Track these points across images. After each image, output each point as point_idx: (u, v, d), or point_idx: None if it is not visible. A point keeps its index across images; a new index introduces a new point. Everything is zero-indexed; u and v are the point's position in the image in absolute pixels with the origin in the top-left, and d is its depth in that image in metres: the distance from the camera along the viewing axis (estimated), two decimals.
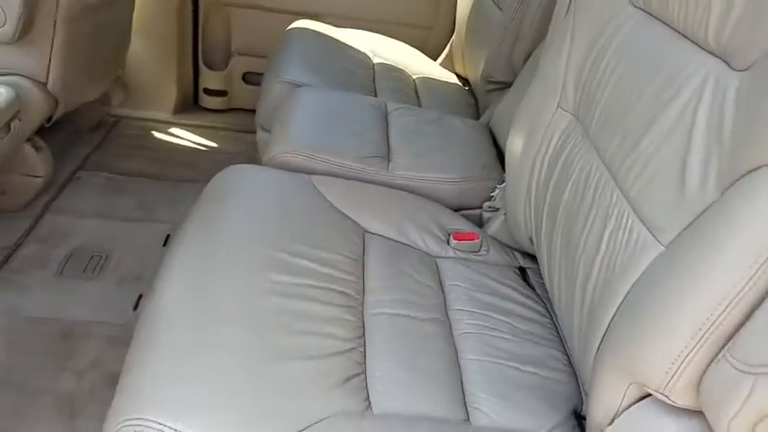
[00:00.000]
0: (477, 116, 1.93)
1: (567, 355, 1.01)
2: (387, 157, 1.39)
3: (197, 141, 2.35)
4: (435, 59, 2.32)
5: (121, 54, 2.14)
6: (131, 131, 2.31)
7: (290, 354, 0.83)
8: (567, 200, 0.97)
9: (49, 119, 1.68)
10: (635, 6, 0.91)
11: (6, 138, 1.48)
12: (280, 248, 1.00)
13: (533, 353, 1.00)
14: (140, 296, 1.55)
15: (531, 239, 1.15)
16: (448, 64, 2.26)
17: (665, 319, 0.65)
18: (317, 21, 2.21)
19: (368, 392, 0.84)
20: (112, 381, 1.31)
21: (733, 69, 0.69)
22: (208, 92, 2.47)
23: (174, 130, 2.37)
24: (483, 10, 1.88)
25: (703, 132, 0.70)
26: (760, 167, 0.59)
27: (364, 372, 0.87)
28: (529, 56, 1.57)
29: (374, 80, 1.95)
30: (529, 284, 1.20)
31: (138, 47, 2.24)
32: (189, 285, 0.91)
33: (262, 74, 2.28)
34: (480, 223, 1.37)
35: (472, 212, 1.38)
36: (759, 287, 0.58)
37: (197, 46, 2.40)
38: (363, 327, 0.95)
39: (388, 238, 1.18)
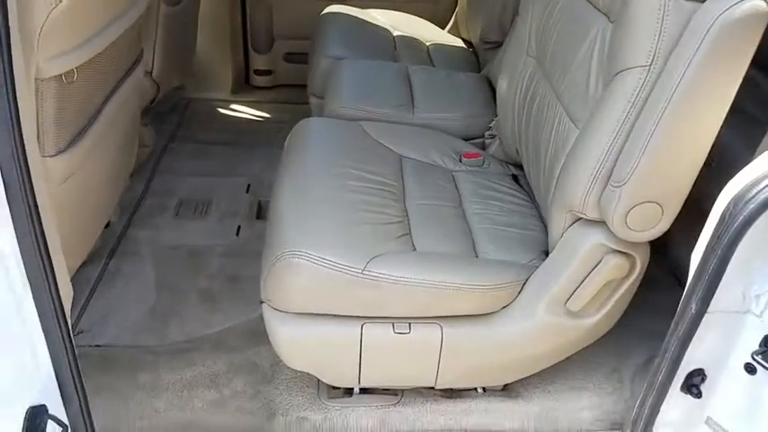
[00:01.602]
0: (479, 71, 2.41)
1: (542, 222, 1.52)
2: (411, 104, 1.90)
3: (254, 114, 2.88)
4: (443, 28, 2.80)
5: (193, 44, 2.67)
6: (202, 109, 2.85)
7: (361, 220, 1.35)
8: (534, 116, 1.47)
9: (153, 101, 2.22)
10: None
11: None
12: (346, 166, 1.52)
13: (519, 221, 1.51)
14: (239, 226, 2.10)
15: (517, 150, 1.65)
16: (454, 31, 2.74)
17: (578, 167, 1.16)
18: (345, 4, 2.69)
19: (412, 242, 1.36)
20: (232, 279, 1.87)
21: (610, 22, 1.18)
22: (257, 72, 3.00)
23: (234, 106, 2.91)
24: None
25: (597, 59, 1.19)
26: (614, 75, 1.09)
27: (410, 233, 1.40)
28: (513, 19, 2.04)
29: (395, 49, 2.44)
30: (519, 185, 1.71)
31: (200, 36, 2.76)
32: (294, 188, 1.44)
33: (301, 53, 2.82)
34: (483, 147, 1.87)
35: (477, 140, 1.89)
36: (619, 141, 1.08)
37: (246, 34, 2.92)
38: (406, 210, 1.47)
39: (417, 160, 1.69)
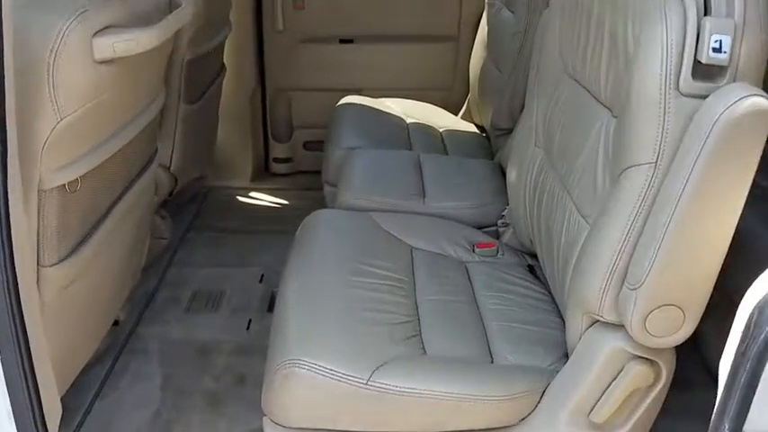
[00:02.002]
0: (491, 153, 2.41)
1: (561, 318, 1.43)
2: (422, 193, 1.88)
3: (273, 201, 2.90)
4: (456, 114, 2.83)
5: (214, 136, 2.74)
6: (221, 198, 2.89)
7: (368, 321, 1.29)
8: (545, 207, 1.42)
9: (171, 193, 2.25)
10: (569, 76, 1.38)
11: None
12: (355, 261, 1.48)
13: (537, 317, 1.43)
14: (250, 320, 2.05)
15: (530, 239, 1.59)
16: (467, 117, 2.76)
17: (591, 266, 1.10)
18: (360, 95, 2.76)
19: (423, 344, 1.29)
20: (239, 379, 1.81)
21: (613, 116, 1.15)
22: (277, 160, 3.05)
23: (253, 194, 2.94)
24: (488, 73, 2.38)
25: (602, 153, 1.15)
26: (622, 171, 1.04)
27: (419, 334, 1.33)
28: (523, 107, 2.04)
29: (409, 137, 2.46)
30: (535, 276, 1.64)
31: (221, 129, 2.84)
32: (299, 287, 1.40)
33: (319, 141, 2.87)
34: (497, 236, 1.82)
35: (490, 229, 1.84)
36: (631, 240, 1.02)
37: (266, 125, 2.99)
38: (417, 307, 1.41)
39: (428, 251, 1.65)
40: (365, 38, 2.82)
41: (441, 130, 2.59)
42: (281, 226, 2.70)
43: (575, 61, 1.34)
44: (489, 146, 2.45)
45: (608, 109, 1.18)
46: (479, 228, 1.82)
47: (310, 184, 2.94)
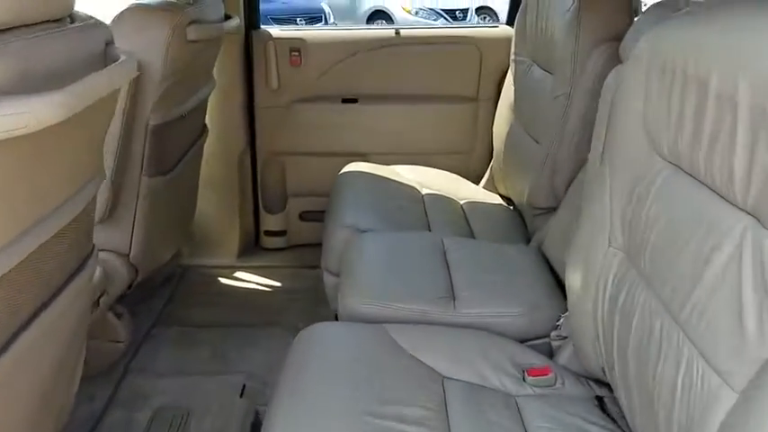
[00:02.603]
0: (525, 234, 2.00)
1: None
2: (451, 295, 1.45)
3: (262, 282, 2.47)
4: (477, 182, 2.45)
5: (192, 208, 2.33)
6: (199, 280, 2.46)
7: None
8: (635, 340, 1.00)
9: (130, 286, 1.83)
10: (662, 158, 0.99)
11: (95, 312, 1.61)
12: (367, 412, 1.05)
13: None
14: None
15: (603, 370, 1.17)
16: (490, 186, 2.37)
17: None
18: (365, 161, 2.38)
19: None
20: None
21: (765, 227, 0.75)
22: (268, 233, 2.64)
23: (239, 273, 2.52)
24: (519, 141, 2.01)
25: (750, 285, 0.75)
26: None
27: None
28: (569, 183, 1.66)
29: (426, 212, 2.06)
30: (608, 415, 1.20)
31: (203, 198, 2.44)
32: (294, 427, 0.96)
33: (318, 211, 2.47)
34: (550, 352, 1.39)
35: (539, 342, 1.41)
36: None
37: (257, 193, 2.60)
38: None
39: (466, 382, 1.21)
40: (371, 97, 2.46)
41: (461, 203, 2.20)
42: (271, 316, 2.27)
43: (676, 142, 0.95)
44: (521, 222, 2.05)
45: (752, 216, 0.79)
46: (525, 341, 1.39)
47: (308, 261, 2.52)
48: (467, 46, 2.40)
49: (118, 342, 1.86)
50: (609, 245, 1.13)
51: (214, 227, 2.53)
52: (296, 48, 2.37)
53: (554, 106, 1.72)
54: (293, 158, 2.55)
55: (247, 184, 2.56)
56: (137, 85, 1.57)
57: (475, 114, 2.49)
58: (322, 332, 1.29)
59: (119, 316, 1.87)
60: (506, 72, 2.38)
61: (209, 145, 2.32)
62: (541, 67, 1.91)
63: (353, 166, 2.28)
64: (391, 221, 1.89)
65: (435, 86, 2.46)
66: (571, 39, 1.63)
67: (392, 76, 2.43)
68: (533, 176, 1.79)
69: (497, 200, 2.30)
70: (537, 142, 1.84)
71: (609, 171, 1.15)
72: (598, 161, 1.20)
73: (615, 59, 1.54)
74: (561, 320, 1.37)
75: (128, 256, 1.76)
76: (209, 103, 2.21)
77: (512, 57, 2.15)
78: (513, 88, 2.16)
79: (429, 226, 1.96)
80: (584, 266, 1.19)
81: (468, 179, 2.46)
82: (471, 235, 1.97)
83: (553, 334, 1.38)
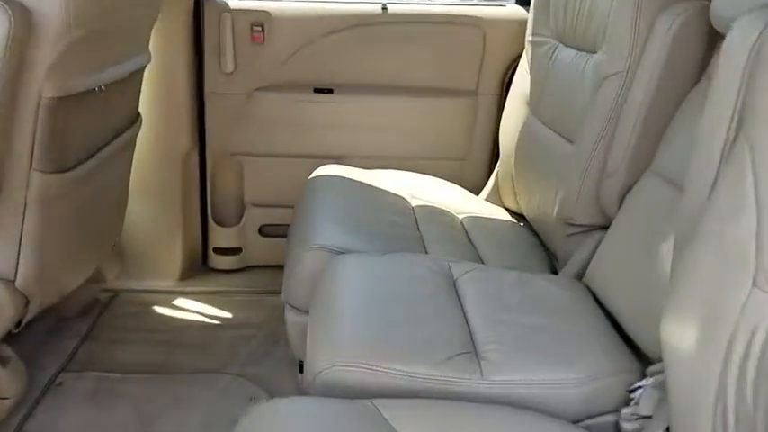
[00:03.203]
0: (547, 258, 1.58)
1: None
2: (473, 351, 1.00)
3: (208, 313, 1.98)
4: (475, 193, 2.02)
5: (117, 221, 1.83)
6: (128, 309, 1.95)
7: None
8: None
9: (19, 323, 1.32)
10: None
11: None
12: None
13: None
14: None
15: None
16: (494, 198, 1.95)
17: None
18: (342, 163, 1.94)
19: None
20: None
21: None
22: (219, 251, 2.15)
23: (180, 301, 2.02)
24: (541, 143, 1.59)
25: None
26: None
27: None
28: (625, 193, 1.24)
29: (418, 227, 1.62)
30: None
31: (135, 207, 1.94)
32: None
33: (281, 225, 2.00)
34: None
35: (600, 420, 0.98)
36: None
37: (205, 201, 2.11)
38: None
39: None
40: (350, 87, 2.01)
41: (460, 218, 1.76)
42: (217, 359, 1.77)
43: None
44: (538, 244, 1.63)
45: None
46: (579, 421, 0.95)
47: (267, 286, 2.03)
48: (468, 27, 1.97)
49: (3, 399, 1.36)
50: (754, 286, 0.71)
51: (149, 242, 2.03)
52: (258, 22, 1.90)
53: (600, 93, 1.31)
54: (252, 160, 2.08)
55: (193, 190, 2.07)
56: (22, 39, 1.09)
57: (474, 111, 2.06)
58: (279, 415, 0.83)
59: (4, 363, 1.36)
60: (515, 61, 1.97)
61: (144, 139, 1.83)
62: (574, 47, 1.50)
63: (326, 170, 1.82)
64: (376, 240, 1.44)
65: (427, 76, 2.02)
66: (628, 3, 1.22)
67: (376, 61, 1.99)
68: (567, 186, 1.36)
69: (504, 215, 1.87)
70: (569, 142, 1.42)
71: (756, 183, 0.72)
72: (717, 156, 0.77)
73: (693, 25, 1.14)
74: (639, 392, 0.93)
75: (13, 281, 1.26)
76: (143, 87, 1.73)
77: (528, 38, 1.74)
78: (527, 77, 1.75)
79: (424, 246, 1.52)
80: (706, 315, 0.75)
81: (463, 188, 2.04)
82: (478, 258, 1.53)
83: (625, 411, 0.94)
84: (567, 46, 1.55)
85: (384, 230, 1.50)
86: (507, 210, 1.91)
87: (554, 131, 1.52)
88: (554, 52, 1.60)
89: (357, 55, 1.98)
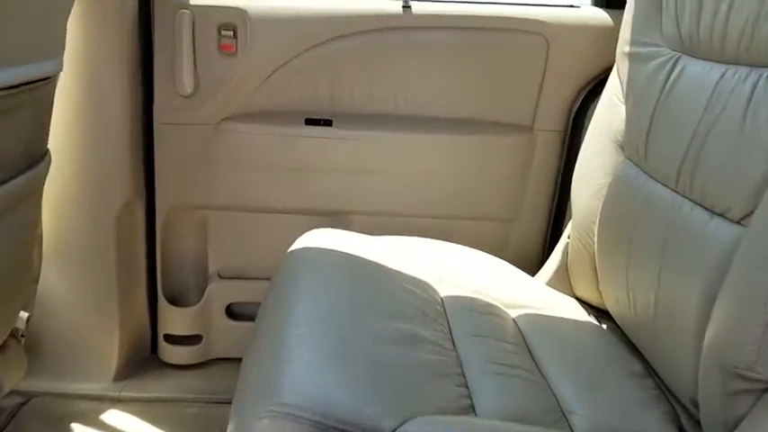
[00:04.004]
0: (665, 403, 0.97)
1: None
2: None
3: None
4: (529, 271, 1.42)
5: (12, 306, 1.26)
6: (40, 426, 1.37)
7: None
8: None
9: None
10: None
11: None
12: None
13: None
14: None
15: None
16: (560, 283, 1.34)
17: None
18: (339, 222, 1.36)
19: None
20: None
21: None
22: (171, 339, 1.56)
23: (112, 413, 1.42)
24: (654, 212, 0.98)
25: None
26: None
27: None
28: None
29: (453, 342, 1.02)
30: None
31: (53, 279, 1.39)
32: None
33: (255, 304, 1.41)
34: None
35: None
36: None
37: (153, 271, 1.53)
38: None
39: None
40: (355, 118, 1.44)
41: (513, 316, 1.16)
42: None
43: None
44: (646, 373, 1.02)
45: None
46: None
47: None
48: (524, 36, 1.40)
49: None
50: None
51: (73, 327, 1.46)
52: (229, 24, 1.35)
53: None
54: (219, 215, 1.50)
55: (136, 256, 1.49)
56: None
57: (528, 153, 1.48)
58: None
59: None
60: (592, 83, 1.40)
61: (64, 186, 1.29)
62: (719, 60, 0.91)
63: (315, 239, 1.24)
64: (384, 383, 0.83)
65: (464, 104, 1.44)
66: None
67: (393, 83, 1.42)
68: (735, 307, 0.74)
69: (577, 311, 1.27)
70: (731, 221, 0.82)
71: None
72: None
73: None
74: None
75: None
76: (61, 112, 1.18)
77: (624, 49, 1.15)
78: (620, 107, 1.16)
79: (460, 362, 0.93)
80: None
81: (513, 264, 1.45)
82: (548, 388, 0.93)
83: None
84: (699, 59, 0.97)
85: (399, 357, 0.90)
86: (580, 300, 1.31)
87: (686, 197, 0.93)
88: (674, 68, 1.01)
89: (367, 73, 1.41)
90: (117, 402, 1.46)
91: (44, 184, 1.16)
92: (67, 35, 1.10)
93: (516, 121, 1.46)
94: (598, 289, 1.23)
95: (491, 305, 1.20)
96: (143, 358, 1.57)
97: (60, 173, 1.28)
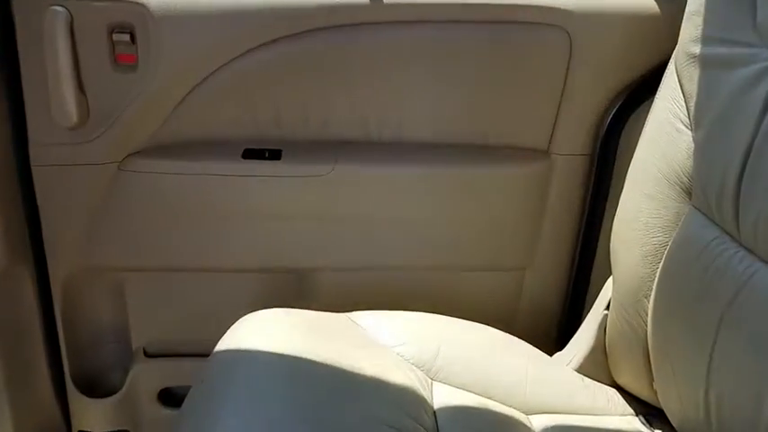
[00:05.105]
0: None
1: None
2: None
3: None
4: (547, 350, 1.07)
5: None
6: None
7: None
8: None
9: None
10: None
11: None
12: None
13: None
14: None
15: None
16: (593, 366, 0.98)
17: None
18: (303, 279, 1.01)
19: None
20: None
21: None
22: None
23: None
24: (757, 298, 0.64)
25: None
26: None
27: None
28: None
29: None
30: None
31: None
32: None
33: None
34: None
35: None
36: None
37: (57, 353, 1.17)
38: None
39: None
40: (311, 147, 1.05)
41: (533, 423, 0.82)
42: None
43: None
44: None
45: None
46: None
47: None
48: (539, 30, 1.00)
49: None
50: None
51: None
52: (125, 25, 0.94)
53: None
54: (139, 277, 1.13)
55: (30, 335, 1.11)
56: None
57: (543, 185, 1.10)
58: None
59: None
60: (630, 90, 1.03)
61: None
62: None
63: (255, 325, 0.87)
64: None
65: (458, 123, 1.08)
66: None
67: (363, 98, 1.04)
68: None
69: (622, 407, 0.92)
70: None
71: None
72: None
73: None
74: None
75: None
76: None
77: (691, 50, 0.78)
78: (684, 132, 0.80)
79: None
80: None
81: (527, 327, 1.10)
82: None
83: None
84: None
85: None
86: (621, 390, 0.96)
87: None
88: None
89: (327, 86, 1.03)
90: None
91: None
92: None
93: (528, 144, 1.09)
94: (651, 385, 0.89)
95: (505, 416, 0.86)
96: None
97: None
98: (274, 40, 0.99)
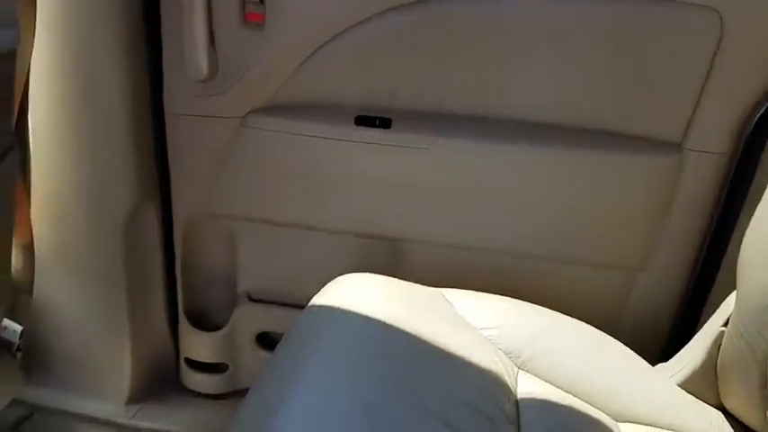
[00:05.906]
0: None
1: None
2: None
3: None
4: (651, 358, 0.99)
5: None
6: None
7: None
8: None
9: None
10: None
11: None
12: None
13: None
14: None
15: None
16: (704, 389, 0.90)
17: None
18: (395, 249, 1.01)
19: None
20: None
21: None
22: (194, 365, 1.32)
23: None
24: None
25: None
26: None
27: None
28: None
29: None
30: None
31: (54, 290, 1.17)
32: None
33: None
34: None
35: None
36: None
37: (173, 287, 1.28)
38: None
39: None
40: (423, 118, 1.04)
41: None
42: None
43: None
44: None
45: None
46: None
47: None
48: (686, 11, 0.90)
49: None
50: None
51: (78, 342, 1.25)
52: None
53: None
54: (249, 227, 1.19)
55: (152, 268, 1.23)
56: None
57: (670, 182, 1.00)
58: None
59: None
60: None
61: (58, 188, 1.05)
62: None
63: (347, 288, 0.90)
64: None
65: (581, 108, 1.01)
66: None
67: (479, 72, 1.00)
68: None
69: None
70: None
71: None
72: None
73: None
74: None
75: None
76: (34, 94, 0.92)
77: None
78: None
79: None
80: None
81: (631, 334, 1.03)
82: None
83: None
84: None
85: None
86: (727, 413, 0.88)
87: None
88: None
89: (443, 57, 1.00)
90: (124, 429, 1.26)
91: (12, 182, 0.92)
92: (53, 16, 0.84)
93: (659, 136, 1.00)
94: (764, 412, 0.81)
95: (592, 418, 0.82)
96: (163, 382, 1.35)
97: (58, 173, 1.05)
98: (396, 8, 0.98)
